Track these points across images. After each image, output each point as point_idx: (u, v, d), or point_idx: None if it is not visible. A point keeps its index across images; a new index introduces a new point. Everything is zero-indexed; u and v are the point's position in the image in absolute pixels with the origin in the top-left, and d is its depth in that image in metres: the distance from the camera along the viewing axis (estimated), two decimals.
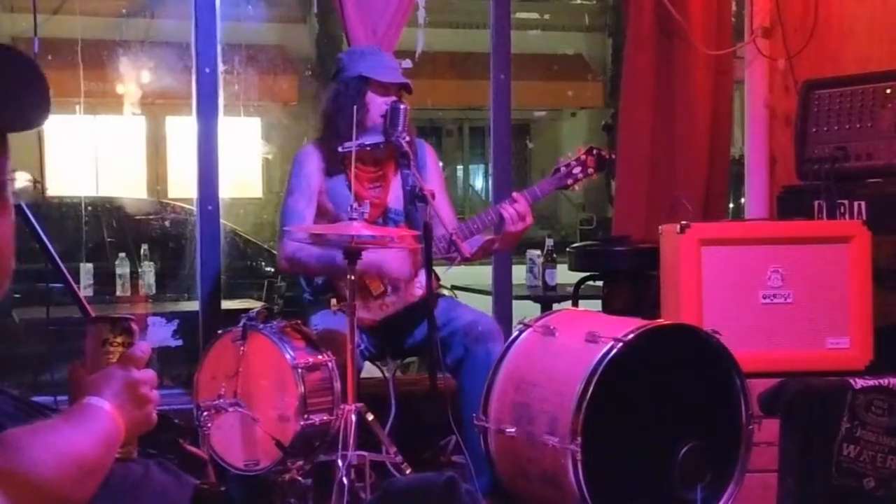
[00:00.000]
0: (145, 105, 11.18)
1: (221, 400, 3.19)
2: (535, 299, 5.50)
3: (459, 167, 17.91)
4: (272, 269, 6.99)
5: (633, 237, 4.49)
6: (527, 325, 3.34)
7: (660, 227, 3.67)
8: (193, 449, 2.51)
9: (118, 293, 5.53)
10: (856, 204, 3.71)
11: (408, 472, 3.21)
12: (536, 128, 17.13)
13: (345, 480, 3.07)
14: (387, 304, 3.62)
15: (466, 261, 3.45)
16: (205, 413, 3.17)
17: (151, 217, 7.26)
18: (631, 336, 3.00)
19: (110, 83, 10.37)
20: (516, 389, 3.19)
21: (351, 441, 3.11)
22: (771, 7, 4.68)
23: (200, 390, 3.33)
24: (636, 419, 2.99)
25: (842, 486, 3.21)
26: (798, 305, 3.47)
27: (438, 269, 3.67)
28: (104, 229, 6.72)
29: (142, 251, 5.76)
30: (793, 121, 4.18)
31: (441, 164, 4.17)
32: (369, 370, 3.72)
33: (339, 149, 3.45)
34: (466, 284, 5.04)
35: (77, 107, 6.77)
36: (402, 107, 3.49)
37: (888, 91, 3.78)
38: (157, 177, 12.33)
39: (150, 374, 1.47)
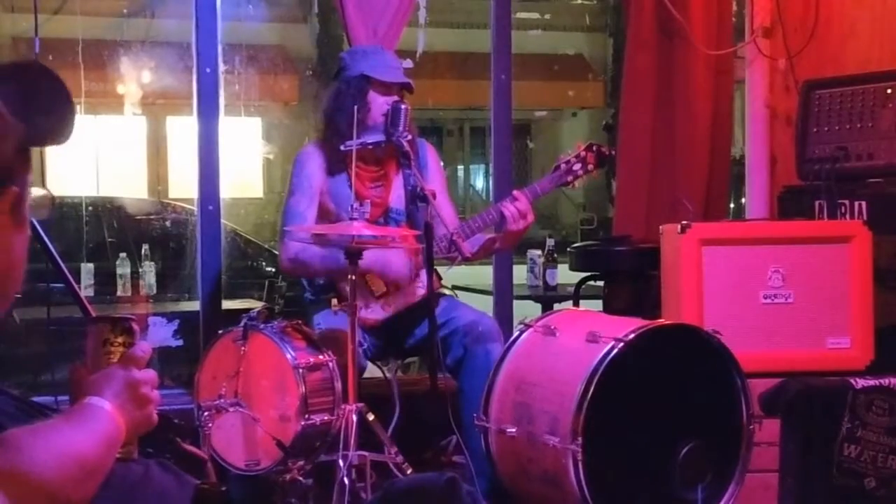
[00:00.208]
0: (146, 105, 11.19)
1: (222, 400, 3.19)
2: (535, 299, 5.50)
3: (460, 167, 17.92)
4: (273, 269, 7.00)
5: (633, 237, 4.49)
6: (527, 325, 3.34)
7: (660, 227, 3.67)
8: (192, 448, 2.51)
9: (119, 293, 5.54)
10: (856, 204, 3.71)
11: (409, 472, 3.21)
12: (537, 128, 17.15)
13: (346, 480, 3.07)
14: (389, 304, 3.62)
15: (467, 260, 3.45)
16: (206, 413, 3.17)
17: (152, 217, 7.26)
18: (632, 336, 3.00)
19: (111, 83, 10.38)
20: (517, 389, 3.19)
21: (352, 441, 3.12)
22: (771, 7, 4.68)
23: (201, 390, 3.33)
24: (637, 419, 2.99)
25: (842, 486, 3.21)
26: (799, 305, 3.47)
27: (440, 269, 3.67)
28: (105, 229, 6.73)
29: (142, 251, 5.76)
30: (793, 121, 4.18)
31: (442, 164, 4.17)
32: (370, 370, 3.72)
33: (341, 147, 3.45)
34: (467, 284, 5.04)
35: (78, 107, 6.77)
36: (403, 106, 3.49)
37: (889, 91, 3.78)
38: (157, 177, 12.34)
39: (150, 375, 1.48)
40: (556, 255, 5.67)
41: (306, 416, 3.17)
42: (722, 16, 4.77)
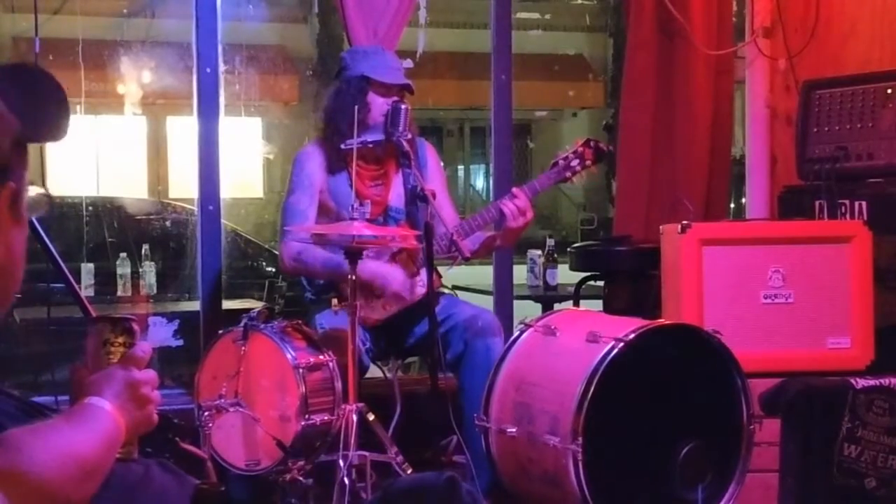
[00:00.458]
0: (146, 105, 11.19)
1: (222, 400, 3.19)
2: (536, 299, 5.50)
3: (460, 167, 17.93)
4: (273, 269, 7.00)
5: (633, 237, 4.49)
6: (528, 325, 3.34)
7: (661, 227, 3.67)
8: (192, 448, 2.51)
9: (119, 293, 5.54)
10: (856, 204, 3.71)
11: (409, 471, 3.21)
12: (537, 128, 17.15)
13: (346, 480, 3.07)
14: (390, 304, 3.62)
15: (467, 260, 3.45)
16: (206, 413, 3.17)
17: (152, 217, 7.26)
18: (632, 336, 3.00)
19: (111, 83, 10.38)
20: (517, 389, 3.19)
21: (352, 441, 3.12)
22: (772, 7, 4.68)
23: (201, 390, 3.33)
24: (637, 419, 2.99)
25: (843, 486, 3.21)
26: (799, 305, 3.47)
27: (440, 268, 3.67)
28: (105, 229, 6.73)
29: (143, 251, 5.76)
30: (794, 121, 4.18)
31: (442, 163, 4.17)
32: (371, 370, 3.72)
33: (342, 146, 3.46)
34: (467, 284, 5.04)
35: (78, 107, 6.77)
36: (403, 107, 3.49)
37: (889, 91, 3.78)
38: (157, 177, 12.34)
39: (151, 375, 1.48)
40: (556, 255, 5.67)
41: (306, 416, 3.17)
42: (722, 16, 4.77)
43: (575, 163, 3.74)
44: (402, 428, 3.53)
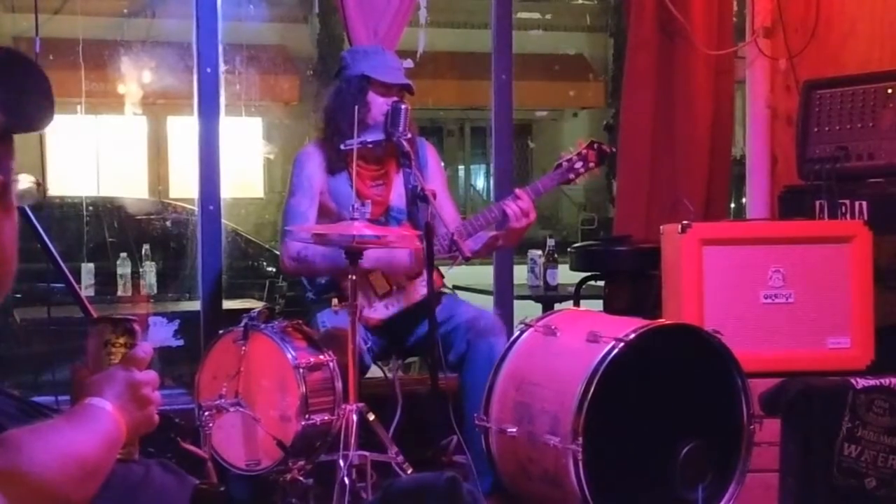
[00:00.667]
0: (146, 105, 11.20)
1: (223, 400, 3.19)
2: (536, 299, 5.50)
3: (461, 167, 17.94)
4: (273, 269, 7.00)
5: (634, 237, 4.49)
6: (528, 325, 3.34)
7: (661, 227, 3.67)
8: (192, 448, 2.51)
9: (119, 293, 5.54)
10: (857, 204, 3.71)
11: (409, 471, 3.21)
12: (538, 128, 17.16)
13: (346, 480, 3.07)
14: (391, 304, 3.62)
15: (468, 260, 3.45)
16: (206, 413, 3.17)
17: (153, 217, 7.26)
18: (632, 336, 3.00)
19: (112, 83, 10.39)
20: (518, 389, 3.19)
21: (352, 441, 3.12)
22: (772, 7, 4.68)
23: (202, 390, 3.33)
24: (637, 419, 2.99)
25: (843, 486, 3.21)
26: (799, 305, 3.47)
27: (441, 268, 3.67)
28: (105, 229, 6.72)
29: (143, 251, 5.76)
30: (794, 121, 4.18)
31: (442, 163, 4.17)
32: (372, 370, 3.72)
33: (342, 146, 3.46)
34: (468, 284, 5.04)
35: (78, 107, 6.78)
36: (403, 107, 3.49)
37: (889, 91, 3.78)
38: (158, 177, 12.35)
39: (151, 376, 1.48)
40: (556, 255, 5.67)
41: (307, 415, 3.17)
42: (722, 16, 4.77)
43: (578, 164, 3.74)
44: (402, 428, 3.53)
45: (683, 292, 3.47)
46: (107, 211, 7.06)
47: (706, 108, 4.72)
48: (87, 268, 5.55)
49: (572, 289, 4.90)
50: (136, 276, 5.59)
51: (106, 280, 5.62)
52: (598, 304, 4.56)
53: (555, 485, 3.00)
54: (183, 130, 11.09)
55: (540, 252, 5.72)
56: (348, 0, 4.16)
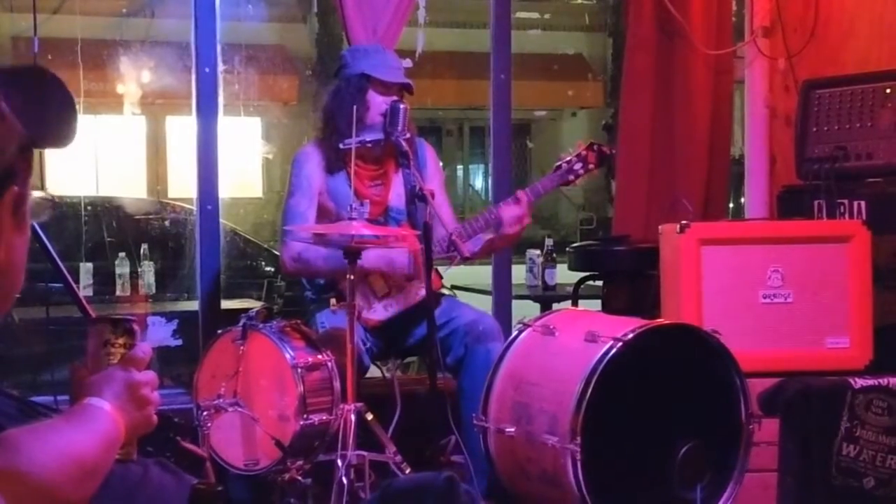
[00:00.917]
0: (145, 105, 11.19)
1: (221, 400, 3.19)
2: (534, 299, 5.49)
3: (459, 167, 17.93)
4: (272, 269, 7.00)
5: (632, 237, 4.49)
6: (526, 325, 3.34)
7: (660, 227, 3.67)
8: (192, 447, 2.51)
9: (118, 293, 5.53)
10: (856, 203, 3.71)
11: (407, 471, 3.21)
12: (537, 127, 17.16)
13: (344, 480, 3.07)
14: (391, 305, 3.62)
15: (466, 260, 3.45)
16: (205, 413, 3.17)
17: (151, 217, 7.25)
18: (630, 336, 3.00)
19: (110, 83, 10.37)
20: (516, 389, 3.19)
21: (350, 441, 3.12)
22: (771, 7, 4.68)
23: (200, 390, 3.33)
24: (636, 419, 2.99)
25: (841, 486, 3.22)
26: (798, 305, 3.47)
27: (439, 269, 3.67)
28: (104, 229, 6.72)
29: (142, 251, 5.75)
30: (793, 120, 4.18)
31: (441, 163, 4.17)
32: (371, 370, 3.72)
33: (340, 145, 3.46)
34: (466, 284, 5.04)
35: (77, 107, 6.76)
36: (402, 106, 3.48)
37: (888, 91, 3.78)
38: (156, 176, 12.35)
39: (150, 376, 1.48)
40: (555, 255, 5.66)
41: (305, 415, 3.17)
42: (722, 16, 4.78)
43: (578, 166, 3.74)
44: (400, 428, 3.53)
45: (682, 292, 3.47)
46: (105, 211, 7.06)
47: (705, 107, 4.72)
48: (86, 267, 5.55)
49: (571, 289, 4.90)
50: (134, 275, 5.59)
51: (104, 280, 5.61)
52: (596, 304, 4.55)
53: (553, 485, 3.00)
54: (181, 130, 11.06)
55: (538, 252, 5.71)
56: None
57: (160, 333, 5.19)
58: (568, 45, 15.36)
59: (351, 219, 3.19)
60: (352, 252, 3.21)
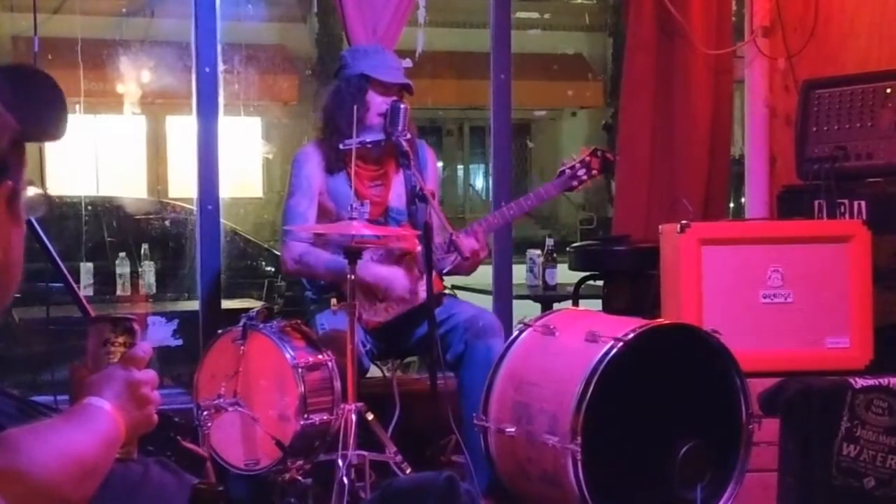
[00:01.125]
0: (145, 104, 11.19)
1: (221, 399, 3.19)
2: (535, 299, 5.50)
3: (460, 167, 17.94)
4: (272, 269, 7.00)
5: (633, 237, 4.49)
6: (527, 325, 3.34)
7: (660, 227, 3.67)
8: (192, 446, 2.51)
9: (118, 293, 5.54)
10: (856, 203, 3.71)
11: (408, 471, 3.21)
12: (537, 127, 17.16)
13: (345, 480, 3.07)
14: (392, 307, 3.62)
15: (466, 260, 3.44)
16: (205, 412, 3.17)
17: (151, 216, 7.25)
18: (631, 336, 3.00)
19: (110, 82, 10.37)
20: (516, 389, 3.19)
21: (351, 441, 3.12)
22: (771, 7, 4.68)
23: (200, 390, 3.33)
24: (636, 419, 2.99)
25: (842, 486, 3.21)
26: (798, 305, 3.47)
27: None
28: (104, 229, 6.72)
29: (142, 251, 5.75)
30: (793, 120, 4.18)
31: (441, 164, 4.17)
32: (371, 370, 3.72)
33: (340, 146, 3.46)
34: (467, 284, 5.04)
35: (77, 106, 6.76)
36: (402, 106, 3.48)
37: (888, 90, 3.78)
38: (157, 176, 12.34)
39: (151, 375, 1.48)
40: (555, 255, 5.67)
41: (305, 415, 3.17)
42: (721, 15, 4.78)
43: (581, 172, 3.75)
44: (401, 428, 3.53)
45: (682, 292, 3.47)
46: (106, 210, 7.05)
47: (705, 107, 4.72)
48: (86, 267, 5.55)
49: (571, 288, 4.90)
50: (134, 275, 5.59)
51: (105, 279, 5.61)
52: (596, 304, 4.55)
53: (553, 484, 3.00)
54: (182, 130, 11.07)
55: (539, 252, 5.72)
56: None
57: (160, 333, 5.19)
58: (568, 45, 15.35)
59: (351, 219, 3.19)
60: (352, 252, 3.21)
